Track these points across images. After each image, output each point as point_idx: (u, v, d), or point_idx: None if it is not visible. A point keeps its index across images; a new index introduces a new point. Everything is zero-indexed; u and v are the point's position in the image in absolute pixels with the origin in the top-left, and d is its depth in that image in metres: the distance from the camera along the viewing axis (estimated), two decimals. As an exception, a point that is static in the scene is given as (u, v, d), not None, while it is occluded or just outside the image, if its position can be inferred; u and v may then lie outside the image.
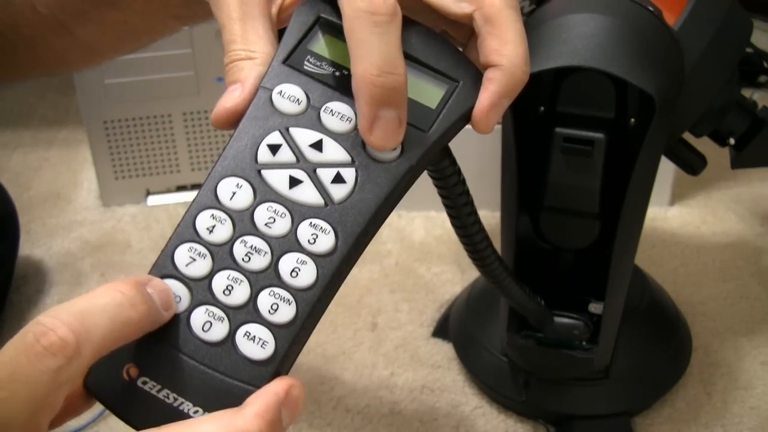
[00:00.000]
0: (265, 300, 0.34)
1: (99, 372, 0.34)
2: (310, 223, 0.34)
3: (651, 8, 0.61)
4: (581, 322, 0.69)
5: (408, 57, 0.36)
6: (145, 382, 0.34)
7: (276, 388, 0.33)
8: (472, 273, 0.94)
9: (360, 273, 0.94)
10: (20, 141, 1.24)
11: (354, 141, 0.36)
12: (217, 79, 1.03)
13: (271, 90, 0.36)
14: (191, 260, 0.34)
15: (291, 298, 0.34)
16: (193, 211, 0.35)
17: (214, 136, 1.06)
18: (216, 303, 0.34)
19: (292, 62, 0.37)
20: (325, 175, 0.35)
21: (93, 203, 1.09)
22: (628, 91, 0.60)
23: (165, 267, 0.35)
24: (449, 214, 0.47)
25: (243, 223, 0.35)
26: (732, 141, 0.73)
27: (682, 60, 0.62)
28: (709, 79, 0.65)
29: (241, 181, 0.35)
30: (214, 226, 0.35)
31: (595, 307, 0.69)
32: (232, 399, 0.33)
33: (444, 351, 0.84)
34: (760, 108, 0.72)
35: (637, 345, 0.76)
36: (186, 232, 0.35)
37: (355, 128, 0.36)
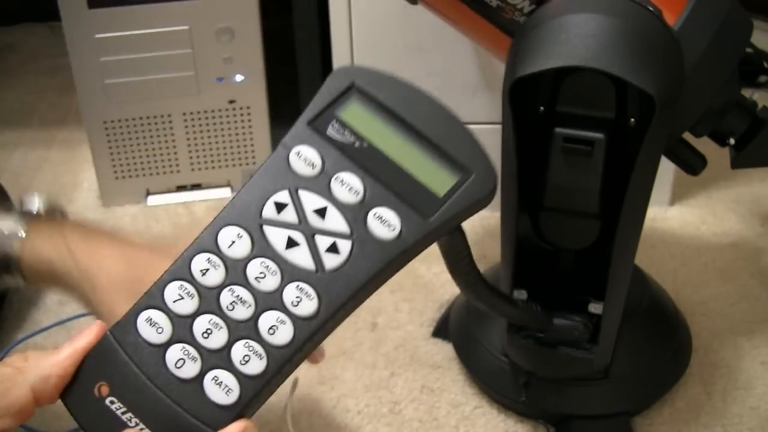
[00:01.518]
0: (239, 350, 0.35)
1: (75, 386, 0.36)
2: (297, 286, 0.35)
3: (651, 8, 0.61)
4: (581, 324, 0.69)
5: (428, 139, 0.38)
6: (112, 402, 0.35)
7: (232, 430, 0.34)
8: (472, 273, 0.94)
9: (360, 273, 0.94)
10: (20, 141, 1.24)
11: (357, 214, 0.36)
12: (217, 79, 1.03)
13: (290, 149, 0.37)
14: (179, 297, 0.36)
15: (263, 353, 0.35)
16: (191, 251, 0.37)
17: (214, 136, 1.06)
18: (193, 343, 0.35)
19: (317, 125, 0.38)
20: (322, 242, 0.36)
21: (93, 203, 1.09)
22: (628, 91, 0.60)
23: (154, 299, 0.36)
24: (452, 276, 0.47)
25: (235, 272, 0.36)
26: (732, 141, 0.73)
27: (682, 60, 0.62)
28: (709, 79, 0.65)
29: (243, 232, 0.36)
30: (207, 270, 0.36)
31: (595, 307, 0.68)
32: None
33: (444, 351, 0.84)
34: (760, 108, 0.72)
35: (637, 345, 0.76)
36: (181, 270, 0.36)
37: (361, 202, 0.36)
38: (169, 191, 1.09)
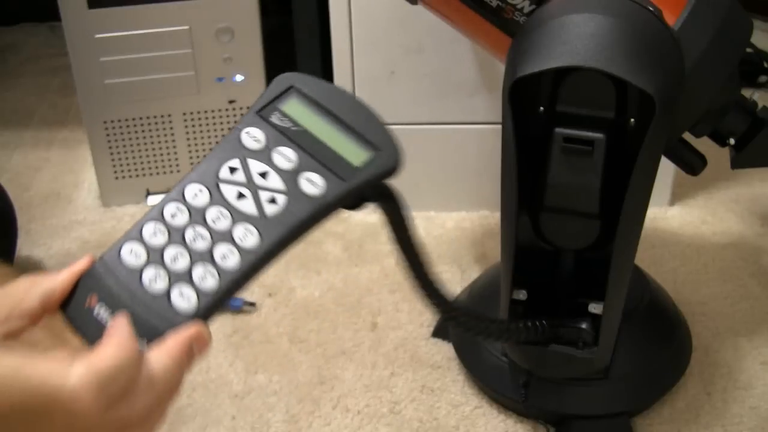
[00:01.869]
0: (198, 272, 0.46)
1: (71, 299, 0.46)
2: (244, 226, 0.47)
3: (651, 8, 0.61)
4: (585, 330, 0.69)
5: (348, 126, 0.48)
6: (100, 310, 0.46)
7: (190, 329, 0.45)
8: (472, 273, 0.94)
9: (360, 273, 0.94)
10: (20, 141, 1.24)
11: (291, 177, 0.48)
12: (217, 79, 1.03)
13: (242, 129, 0.49)
14: (154, 234, 0.47)
15: (217, 275, 0.46)
16: (164, 201, 0.48)
17: (213, 136, 1.06)
18: (163, 266, 0.46)
19: (263, 114, 0.50)
20: (264, 196, 0.47)
21: (93, 203, 1.09)
22: (628, 91, 0.60)
23: (134, 235, 0.47)
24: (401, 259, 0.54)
25: (197, 216, 0.47)
26: (732, 141, 0.73)
27: (682, 60, 0.62)
28: (709, 79, 0.65)
29: (203, 188, 0.48)
30: (176, 214, 0.48)
31: (595, 307, 0.69)
32: (159, 332, 0.45)
33: (444, 351, 0.84)
34: (760, 108, 0.72)
35: (637, 345, 0.76)
36: (155, 214, 0.48)
37: (294, 168, 0.48)
38: (168, 191, 1.09)
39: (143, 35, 0.99)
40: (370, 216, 1.04)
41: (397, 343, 0.85)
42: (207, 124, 1.05)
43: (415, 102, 0.98)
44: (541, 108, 0.63)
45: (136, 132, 1.04)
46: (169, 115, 1.04)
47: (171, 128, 1.05)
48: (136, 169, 1.07)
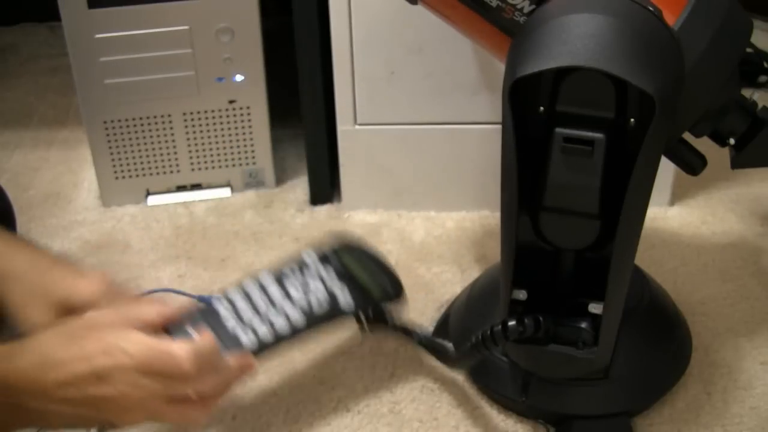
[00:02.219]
0: (260, 326, 0.69)
1: (171, 324, 0.66)
2: (292, 305, 0.70)
3: (651, 8, 0.61)
4: (585, 330, 0.69)
5: (370, 268, 0.75)
6: (193, 331, 0.66)
7: (244, 356, 0.66)
8: (472, 273, 0.94)
9: (360, 273, 0.94)
10: (20, 141, 1.24)
11: (332, 292, 0.72)
12: (217, 79, 1.03)
13: (305, 256, 0.75)
14: (235, 296, 0.71)
15: (272, 331, 0.69)
16: (250, 285, 0.72)
17: (213, 136, 1.06)
18: (240, 318, 0.69)
19: (322, 250, 0.75)
20: (313, 299, 0.71)
21: (93, 203, 1.09)
22: (628, 91, 0.61)
23: (224, 295, 0.71)
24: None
25: (264, 292, 0.71)
26: (732, 141, 0.73)
27: (682, 60, 0.62)
28: (709, 79, 0.65)
29: (273, 278, 0.73)
30: (251, 288, 0.72)
31: (595, 308, 0.69)
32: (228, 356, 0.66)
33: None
34: (760, 108, 0.72)
35: (637, 345, 0.76)
36: (240, 286, 0.72)
37: (334, 286, 0.72)
38: (169, 191, 1.09)
39: (143, 35, 0.99)
40: (370, 216, 1.04)
41: (397, 343, 0.85)
42: (207, 124, 1.05)
43: (415, 102, 0.98)
44: (541, 108, 0.63)
45: (136, 132, 1.04)
46: (169, 115, 1.04)
47: (171, 128, 1.05)
48: (136, 169, 1.07)
